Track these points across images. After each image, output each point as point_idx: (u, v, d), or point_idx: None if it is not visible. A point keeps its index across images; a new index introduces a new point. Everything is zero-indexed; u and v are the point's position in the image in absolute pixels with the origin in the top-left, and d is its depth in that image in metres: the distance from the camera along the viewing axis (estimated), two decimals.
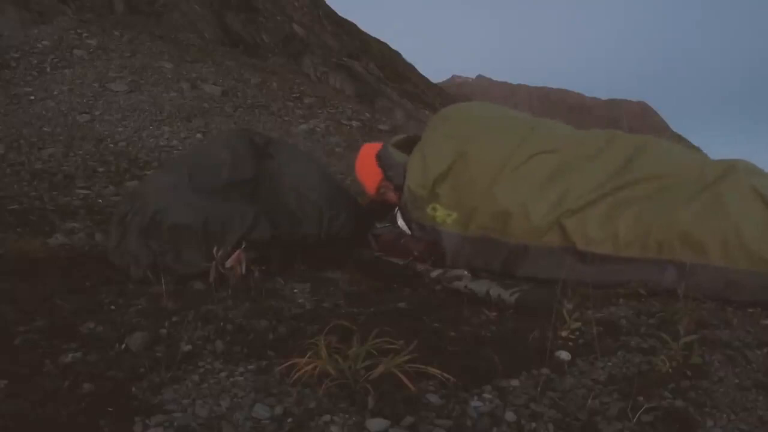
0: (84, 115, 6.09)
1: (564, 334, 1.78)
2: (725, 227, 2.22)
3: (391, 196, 2.92)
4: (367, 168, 2.97)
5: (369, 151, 3.04)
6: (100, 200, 3.99)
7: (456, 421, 1.34)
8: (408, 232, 2.70)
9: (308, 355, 1.49)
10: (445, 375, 1.47)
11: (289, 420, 1.32)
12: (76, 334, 1.76)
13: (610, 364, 1.64)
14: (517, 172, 2.51)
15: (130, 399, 1.39)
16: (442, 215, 2.57)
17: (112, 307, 2.01)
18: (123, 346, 1.67)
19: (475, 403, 1.41)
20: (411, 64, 18.50)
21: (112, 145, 5.50)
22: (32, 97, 6.31)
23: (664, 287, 2.24)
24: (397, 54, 17.87)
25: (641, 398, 1.43)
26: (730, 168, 2.45)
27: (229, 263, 2.21)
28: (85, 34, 7.93)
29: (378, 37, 17.36)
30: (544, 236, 2.41)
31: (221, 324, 1.83)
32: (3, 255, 2.57)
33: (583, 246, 2.35)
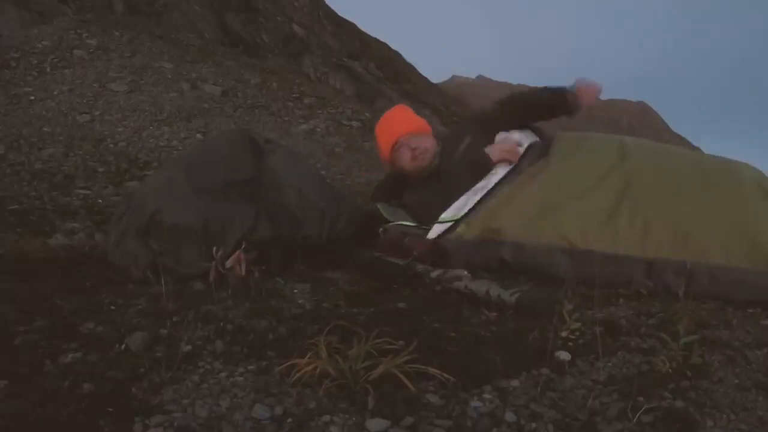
0: (84, 115, 6.10)
1: (564, 334, 1.78)
2: (728, 226, 2.21)
3: (405, 160, 2.90)
4: (388, 122, 2.98)
5: (400, 107, 3.08)
6: (100, 200, 4.00)
7: (456, 422, 1.33)
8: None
9: (308, 355, 1.49)
10: (445, 375, 1.47)
11: (289, 420, 1.31)
12: (76, 334, 1.75)
13: (610, 364, 1.64)
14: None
15: (130, 399, 1.39)
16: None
17: (112, 307, 2.01)
18: (123, 346, 1.67)
19: (475, 403, 1.41)
20: (411, 64, 18.49)
21: (112, 146, 5.50)
22: (32, 97, 6.31)
23: (665, 285, 2.22)
24: (397, 54, 17.86)
25: (641, 398, 1.42)
26: (733, 166, 2.46)
27: (229, 263, 2.21)
28: (85, 34, 7.93)
29: (378, 37, 17.37)
30: (539, 234, 2.38)
31: (221, 324, 1.83)
32: (3, 255, 2.57)
33: (581, 244, 2.32)
